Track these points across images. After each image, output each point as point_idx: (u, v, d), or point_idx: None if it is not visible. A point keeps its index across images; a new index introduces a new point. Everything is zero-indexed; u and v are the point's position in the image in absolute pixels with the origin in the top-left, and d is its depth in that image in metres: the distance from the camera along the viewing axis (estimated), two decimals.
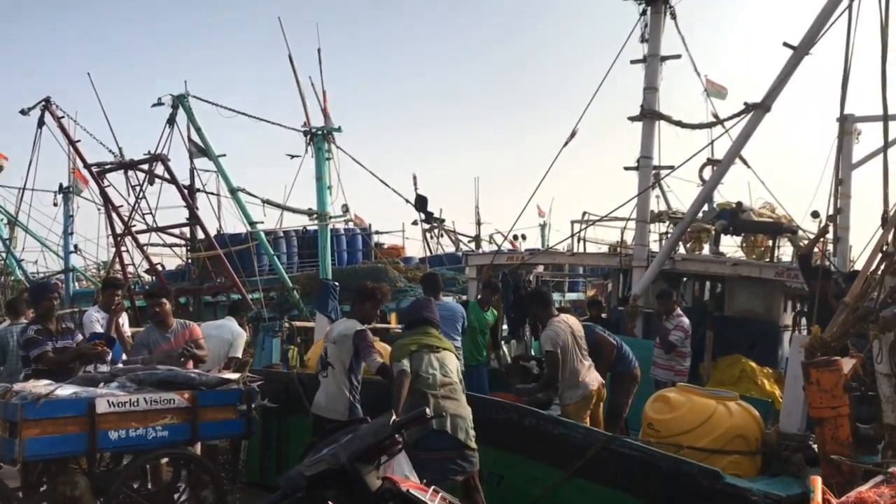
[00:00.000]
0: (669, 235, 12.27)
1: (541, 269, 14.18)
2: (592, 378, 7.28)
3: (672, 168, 11.94)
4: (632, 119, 10.81)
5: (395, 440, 3.08)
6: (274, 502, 3.00)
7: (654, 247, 11.85)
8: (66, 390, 5.47)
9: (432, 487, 3.09)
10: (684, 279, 11.55)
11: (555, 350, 7.07)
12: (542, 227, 27.04)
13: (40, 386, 5.48)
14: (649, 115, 10.65)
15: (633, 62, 11.02)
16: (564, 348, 7.10)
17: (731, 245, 13.56)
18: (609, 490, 5.71)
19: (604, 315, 11.80)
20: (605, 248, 12.91)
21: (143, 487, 6.10)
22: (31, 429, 5.15)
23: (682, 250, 12.61)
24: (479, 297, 10.20)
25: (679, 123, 10.65)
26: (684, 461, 5.56)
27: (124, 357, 7.81)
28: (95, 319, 8.34)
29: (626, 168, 11.41)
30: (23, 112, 18.64)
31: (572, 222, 13.58)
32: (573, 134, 11.49)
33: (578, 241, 12.85)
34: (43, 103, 18.59)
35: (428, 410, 3.15)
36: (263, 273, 17.92)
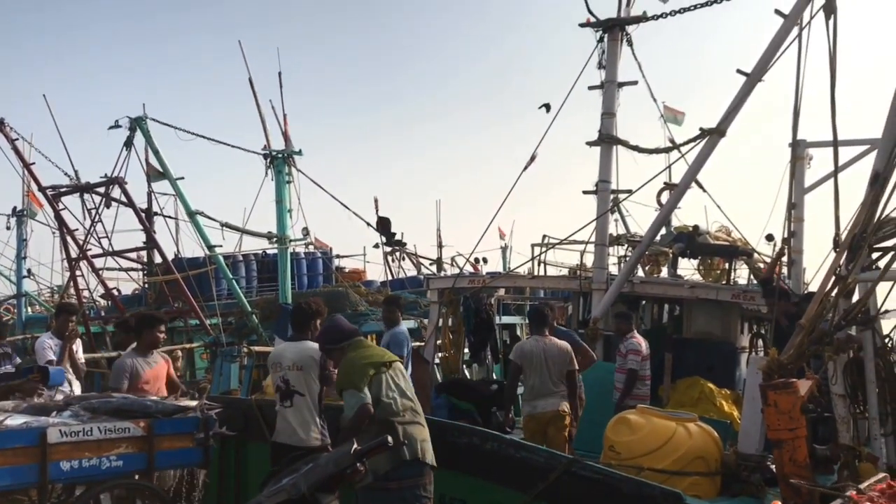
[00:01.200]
0: (628, 258, 12.39)
1: (502, 292, 14.22)
2: (549, 403, 7.42)
3: (630, 192, 12.07)
4: (590, 144, 10.92)
5: (356, 469, 3.05)
6: None
7: (614, 270, 11.96)
8: (16, 420, 5.34)
9: None
10: (643, 302, 11.66)
11: (515, 360, 7.35)
12: (504, 249, 27.18)
13: None
14: (607, 139, 10.77)
15: (590, 88, 11.17)
16: (525, 363, 7.32)
17: (688, 268, 13.76)
18: None
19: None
20: (565, 271, 13.00)
21: None
22: None
23: (640, 273, 12.73)
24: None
25: (636, 148, 10.79)
26: (646, 483, 5.58)
27: (70, 382, 7.73)
28: (48, 346, 8.17)
29: (585, 192, 11.51)
30: None
31: (532, 245, 13.65)
32: (533, 158, 11.58)
33: (539, 265, 12.91)
34: None
35: (389, 438, 3.12)
36: (222, 297, 17.72)
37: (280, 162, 15.67)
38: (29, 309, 23.38)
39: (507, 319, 15.71)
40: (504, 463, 6.00)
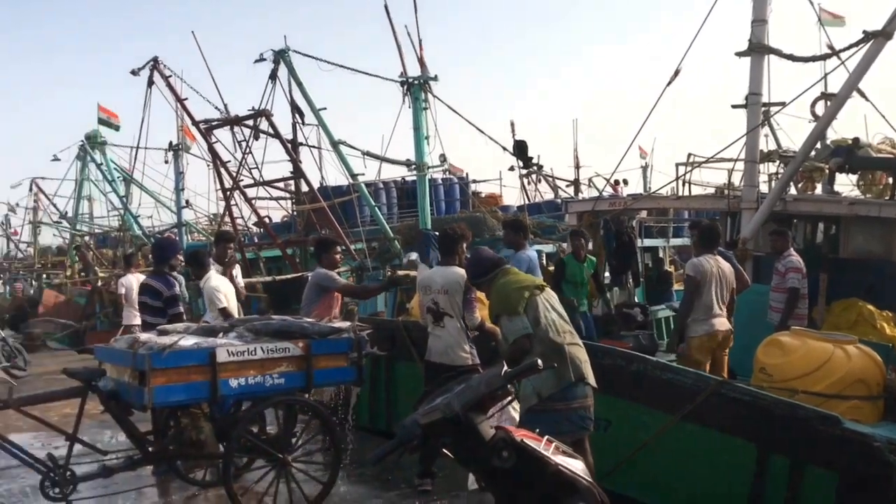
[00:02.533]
0: (780, 176, 11.77)
1: (644, 214, 13.89)
2: (722, 322, 7.19)
3: (783, 104, 11.38)
4: (739, 54, 10.32)
5: (506, 391, 3.11)
6: (391, 449, 3.09)
7: (764, 188, 11.41)
8: (188, 341, 5.75)
9: (546, 437, 3.12)
10: (795, 221, 11.10)
11: (694, 276, 7.12)
12: (644, 169, 26.31)
13: (165, 337, 5.79)
14: (758, 49, 10.13)
15: None
16: (703, 280, 7.08)
17: (846, 184, 12.91)
18: (720, 435, 5.62)
19: None
20: (711, 191, 12.48)
21: (262, 432, 6.41)
22: (159, 377, 5.44)
23: (793, 191, 12.10)
24: (570, 250, 10.18)
25: (790, 57, 10.09)
26: (800, 406, 5.42)
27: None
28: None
29: (734, 106, 10.93)
30: (133, 72, 19.27)
31: (677, 165, 13.13)
32: (677, 73, 11.05)
33: (683, 185, 12.45)
34: (151, 63, 19.18)
35: (539, 361, 3.14)
36: (365, 224, 18.20)
37: (416, 89, 15.72)
38: (189, 237, 24.92)
39: (648, 242, 15.36)
40: (650, 384, 5.97)
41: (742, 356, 7.39)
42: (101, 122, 25.61)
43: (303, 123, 17.74)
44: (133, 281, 13.39)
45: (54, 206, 33.27)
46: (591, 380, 5.32)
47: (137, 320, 11.12)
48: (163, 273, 7.53)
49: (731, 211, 10.77)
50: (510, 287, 5.35)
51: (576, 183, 25.80)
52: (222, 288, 7.90)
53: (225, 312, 7.55)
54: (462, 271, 6.29)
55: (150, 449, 6.12)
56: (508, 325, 5.22)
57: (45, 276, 31.19)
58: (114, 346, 6.10)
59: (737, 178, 11.31)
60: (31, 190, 33.59)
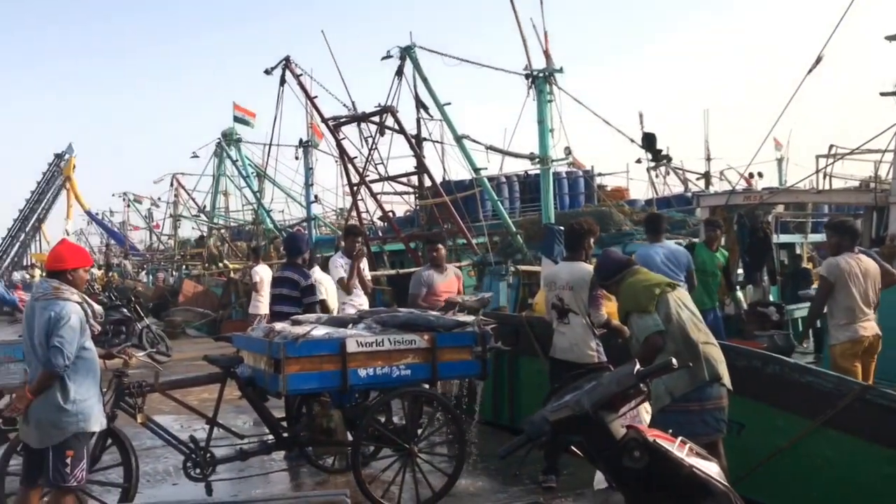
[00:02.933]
0: None
1: (780, 208, 13.24)
2: (868, 326, 6.69)
3: None
4: (889, 38, 9.69)
5: (638, 390, 3.04)
6: (518, 445, 3.07)
7: None
8: (320, 331, 5.93)
9: (679, 438, 3.02)
10: None
11: (827, 277, 6.66)
12: (780, 161, 25.10)
13: (298, 326, 5.99)
14: None
15: None
16: (840, 281, 6.60)
17: None
18: (864, 443, 5.30)
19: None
20: (854, 185, 11.77)
21: (389, 422, 6.53)
22: (292, 365, 5.65)
23: None
24: (704, 238, 9.79)
25: None
26: None
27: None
28: (340, 265, 8.97)
29: (883, 94, 10.28)
30: (266, 72, 20.03)
31: (817, 157, 12.45)
32: (819, 59, 10.46)
33: (824, 178, 11.79)
34: (283, 62, 19.87)
35: (674, 361, 3.05)
36: (487, 218, 18.21)
37: (541, 81, 15.55)
38: (317, 231, 25.71)
39: (785, 238, 14.65)
40: (788, 388, 5.70)
41: (890, 361, 6.92)
42: (236, 119, 26.83)
43: (428, 118, 17.92)
44: (264, 272, 13.96)
45: (193, 200, 35.23)
46: (727, 380, 5.12)
47: (264, 309, 11.63)
48: (297, 265, 7.79)
49: (878, 206, 10.12)
50: (640, 285, 5.21)
51: (707, 176, 24.91)
52: (324, 282, 8.51)
53: (323, 305, 7.86)
54: (588, 267, 6.20)
55: (283, 434, 6.36)
56: (639, 322, 5.06)
57: (184, 266, 32.94)
58: (251, 334, 6.37)
59: (884, 171, 10.63)
60: (171, 185, 35.70)
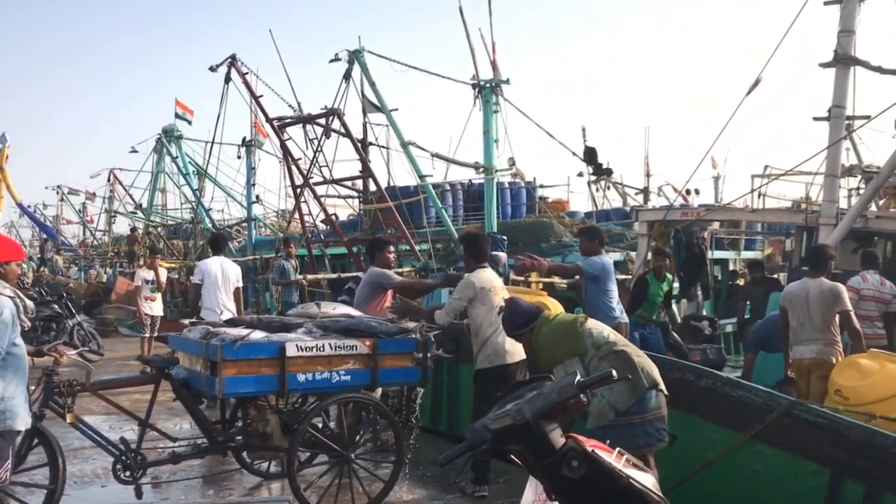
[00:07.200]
0: (861, 192, 11.40)
1: (716, 225, 13.61)
2: (808, 350, 7.16)
3: (867, 118, 11.03)
4: (823, 66, 10.04)
5: (579, 401, 3.07)
6: (459, 453, 3.07)
7: (843, 204, 11.08)
8: (259, 334, 5.86)
9: (617, 449, 3.07)
10: (876, 238, 10.74)
11: (782, 304, 7.37)
12: (716, 179, 25.79)
13: (237, 329, 5.90)
14: (843, 60, 9.84)
15: (826, 3, 10.21)
16: (791, 305, 7.26)
17: None
18: (791, 457, 5.47)
19: (767, 274, 11.39)
20: (786, 205, 12.16)
21: (326, 428, 6.48)
22: (230, 368, 5.56)
23: (873, 207, 11.71)
24: (652, 267, 10.06)
25: (879, 69, 9.79)
26: (879, 432, 5.23)
27: None
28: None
29: (816, 118, 10.65)
30: (211, 69, 19.72)
31: (752, 176, 12.88)
32: (757, 82, 10.82)
33: (758, 197, 12.18)
34: (229, 60, 19.59)
35: (614, 372, 3.09)
36: (431, 225, 18.23)
37: (488, 91, 15.67)
38: (257, 231, 25.36)
39: (719, 254, 15.06)
40: (719, 401, 5.85)
41: None
42: (177, 116, 26.32)
43: (372, 111, 17.81)
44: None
45: (130, 196, 34.39)
46: (663, 387, 5.21)
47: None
48: None
49: (808, 226, 10.48)
50: (554, 337, 5.14)
51: (645, 191, 25.43)
52: None
53: None
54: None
55: (217, 438, 6.25)
56: (569, 369, 4.87)
57: (118, 263, 32.15)
58: (187, 335, 6.26)
59: (814, 193, 11.02)
60: (108, 180, 34.78)
